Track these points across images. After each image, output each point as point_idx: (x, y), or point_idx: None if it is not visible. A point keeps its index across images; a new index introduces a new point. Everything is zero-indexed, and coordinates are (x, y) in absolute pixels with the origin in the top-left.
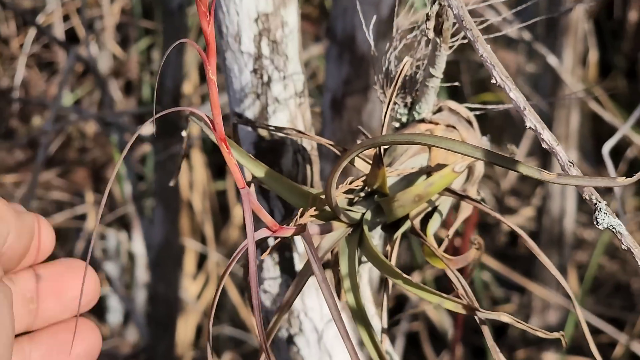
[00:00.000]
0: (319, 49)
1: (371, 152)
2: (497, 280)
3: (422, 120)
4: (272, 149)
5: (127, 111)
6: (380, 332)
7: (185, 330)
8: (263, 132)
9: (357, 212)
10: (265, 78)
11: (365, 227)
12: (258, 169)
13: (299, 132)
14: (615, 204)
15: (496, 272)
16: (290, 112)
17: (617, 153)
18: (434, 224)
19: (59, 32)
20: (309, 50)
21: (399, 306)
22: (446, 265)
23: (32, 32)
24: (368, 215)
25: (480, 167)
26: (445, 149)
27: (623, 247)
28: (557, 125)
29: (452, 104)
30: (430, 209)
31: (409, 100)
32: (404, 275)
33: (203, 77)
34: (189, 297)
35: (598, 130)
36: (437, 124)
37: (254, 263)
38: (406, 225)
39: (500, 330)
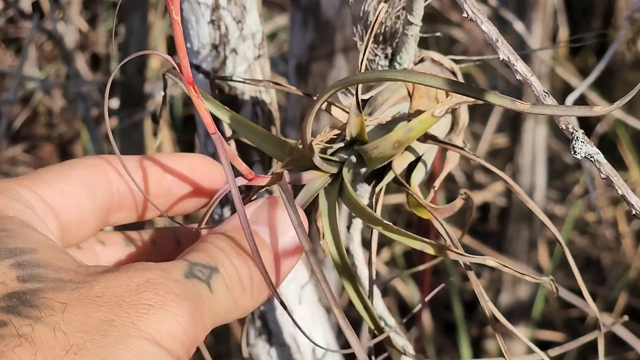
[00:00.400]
0: (286, 19)
1: (349, 102)
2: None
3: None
4: (230, 102)
5: (91, 81)
6: (370, 286)
7: None
8: (222, 84)
9: (336, 161)
10: (223, 29)
11: (345, 175)
12: (232, 119)
13: (275, 83)
14: (584, 179)
15: (466, 247)
16: (249, 64)
17: (588, 128)
18: (419, 174)
19: (26, 6)
20: (275, 21)
21: None
22: (431, 215)
23: None
24: (348, 164)
25: (464, 116)
26: (415, 82)
27: (602, 176)
28: (526, 98)
29: (435, 55)
30: (414, 159)
31: (389, 51)
32: (385, 222)
33: (171, 50)
34: None
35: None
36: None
37: (240, 205)
38: (389, 176)
39: (470, 305)
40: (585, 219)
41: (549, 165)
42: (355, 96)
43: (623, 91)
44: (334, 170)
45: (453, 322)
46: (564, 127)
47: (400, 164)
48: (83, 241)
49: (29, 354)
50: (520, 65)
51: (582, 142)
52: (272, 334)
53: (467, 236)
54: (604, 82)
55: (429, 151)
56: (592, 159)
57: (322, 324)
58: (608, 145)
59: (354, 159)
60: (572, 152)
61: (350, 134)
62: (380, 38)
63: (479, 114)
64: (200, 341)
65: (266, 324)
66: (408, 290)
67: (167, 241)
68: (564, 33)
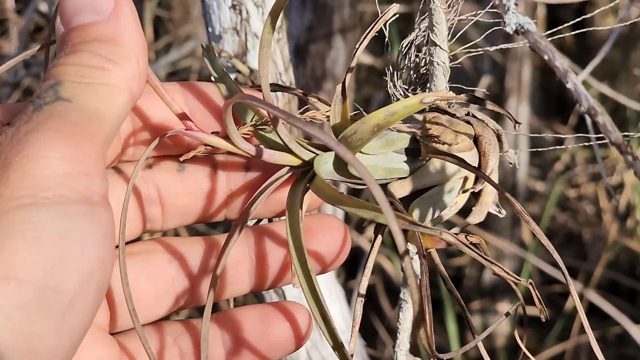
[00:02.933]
0: None
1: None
2: None
3: (436, 109)
4: (252, 83)
5: None
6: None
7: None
8: (242, 67)
9: (309, 149)
10: (244, 14)
11: (318, 162)
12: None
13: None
14: (565, 156)
15: (450, 224)
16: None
17: (567, 106)
18: (423, 206)
19: None
20: None
21: (354, 259)
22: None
23: None
24: (326, 155)
25: (493, 162)
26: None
27: (529, 45)
28: (509, 78)
29: (480, 114)
30: (421, 189)
31: (419, 90)
32: (360, 201)
33: (157, 33)
34: None
35: (547, 84)
36: (452, 114)
37: None
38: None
39: (455, 282)
40: (567, 195)
41: (530, 142)
42: (342, 83)
43: (602, 68)
44: (307, 157)
45: (439, 299)
46: (497, 1)
47: (400, 189)
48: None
49: None
50: None
51: (512, 12)
52: None
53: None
54: (583, 60)
55: (446, 186)
56: (522, 29)
57: (340, 300)
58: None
59: (331, 153)
60: (503, 25)
61: (334, 124)
62: (412, 77)
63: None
64: (101, 143)
65: (284, 299)
66: (393, 268)
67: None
68: (542, 10)
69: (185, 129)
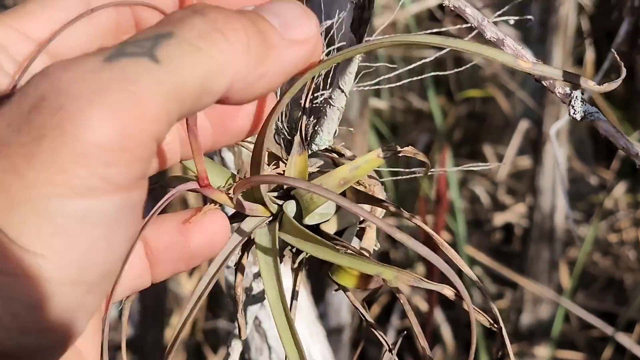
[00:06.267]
0: None
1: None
2: (490, 276)
3: (329, 150)
4: None
5: None
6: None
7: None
8: None
9: (275, 202)
10: None
11: (287, 210)
12: None
13: None
14: (608, 201)
15: (488, 268)
16: None
17: (611, 150)
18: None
19: None
20: None
21: (390, 302)
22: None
23: None
24: (287, 206)
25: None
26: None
27: (602, 132)
28: (547, 123)
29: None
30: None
31: (311, 128)
32: (334, 246)
33: None
34: (185, 292)
35: (594, 129)
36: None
37: None
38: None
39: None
40: (608, 240)
41: (573, 187)
42: (299, 132)
43: None
44: (274, 209)
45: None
46: (562, 92)
47: (330, 228)
48: None
49: None
50: (508, 41)
51: (580, 101)
52: (272, 350)
53: (489, 257)
54: (630, 105)
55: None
56: (592, 117)
57: (320, 340)
58: (629, 167)
59: (292, 203)
60: (572, 114)
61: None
62: (301, 117)
63: (500, 134)
64: (160, 128)
65: (266, 340)
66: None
67: None
68: (590, 55)
69: (201, 186)
